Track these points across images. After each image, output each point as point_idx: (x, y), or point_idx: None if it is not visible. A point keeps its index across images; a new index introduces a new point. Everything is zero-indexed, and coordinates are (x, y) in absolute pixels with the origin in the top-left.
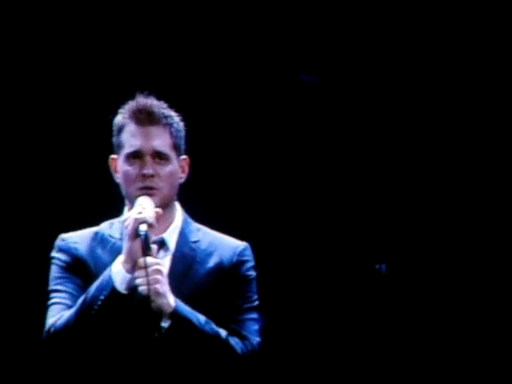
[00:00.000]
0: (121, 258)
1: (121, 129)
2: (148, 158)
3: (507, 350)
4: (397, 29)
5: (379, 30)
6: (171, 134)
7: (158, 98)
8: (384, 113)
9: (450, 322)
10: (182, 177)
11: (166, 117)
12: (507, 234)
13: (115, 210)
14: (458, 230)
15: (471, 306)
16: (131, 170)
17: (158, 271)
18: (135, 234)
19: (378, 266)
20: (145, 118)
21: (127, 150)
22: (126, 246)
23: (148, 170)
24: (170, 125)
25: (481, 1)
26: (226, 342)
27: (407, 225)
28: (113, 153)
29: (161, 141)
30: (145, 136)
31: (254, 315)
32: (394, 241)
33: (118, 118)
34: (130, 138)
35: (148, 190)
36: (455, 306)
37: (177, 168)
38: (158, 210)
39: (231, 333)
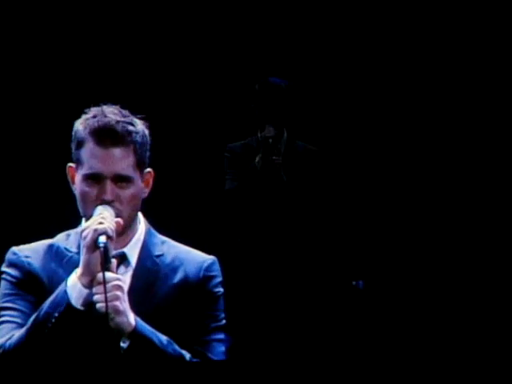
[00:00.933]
0: (77, 272)
1: (80, 144)
2: (108, 183)
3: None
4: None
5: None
6: (135, 152)
7: (123, 106)
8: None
9: (428, 336)
10: (145, 192)
11: (129, 133)
12: (484, 249)
13: (72, 221)
14: (437, 245)
15: (450, 321)
16: (90, 192)
17: (118, 287)
18: (94, 245)
19: (354, 283)
20: (106, 138)
21: (86, 170)
22: (83, 258)
23: (107, 196)
24: (134, 142)
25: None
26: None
27: (384, 241)
28: (70, 160)
29: (123, 163)
30: (106, 159)
31: (221, 336)
32: (372, 257)
33: (78, 129)
34: (90, 158)
35: None
36: (433, 320)
37: (140, 187)
38: (119, 220)
39: (195, 355)
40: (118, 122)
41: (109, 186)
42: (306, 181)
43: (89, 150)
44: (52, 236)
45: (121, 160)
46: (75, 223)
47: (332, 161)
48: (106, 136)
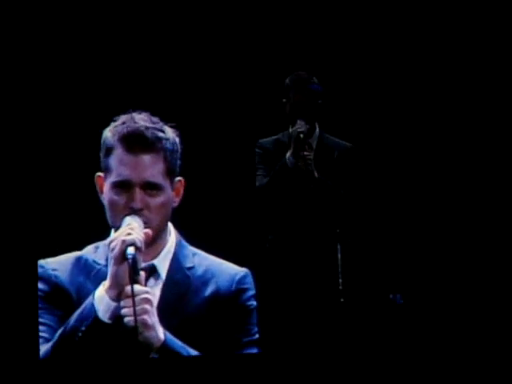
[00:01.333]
0: (105, 284)
1: (109, 151)
2: (137, 190)
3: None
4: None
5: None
6: (165, 159)
7: (153, 113)
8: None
9: (464, 349)
10: (176, 201)
11: (159, 139)
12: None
13: (101, 233)
14: (470, 260)
15: (483, 335)
16: (118, 200)
17: (147, 300)
18: (122, 257)
19: (391, 296)
20: (135, 145)
21: (115, 178)
22: (111, 270)
23: (137, 204)
24: (165, 149)
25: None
26: None
27: (421, 255)
28: (99, 169)
29: (153, 170)
30: (135, 165)
31: (254, 350)
32: (409, 271)
33: (107, 136)
34: (119, 165)
35: None
36: (467, 333)
37: (170, 195)
38: (148, 230)
39: None
40: (147, 128)
41: (138, 193)
42: (339, 178)
43: (117, 157)
44: (81, 248)
45: (150, 167)
46: (105, 235)
47: (367, 158)
48: (136, 142)
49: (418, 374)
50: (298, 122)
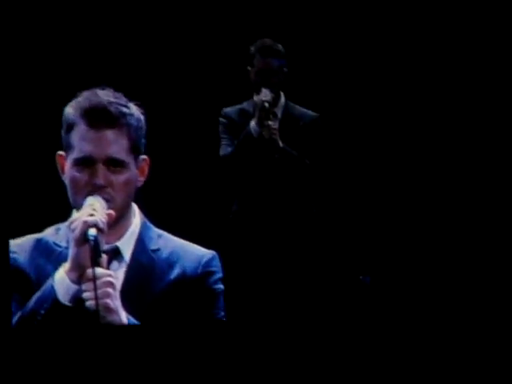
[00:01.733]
0: (66, 266)
1: (70, 127)
2: (100, 166)
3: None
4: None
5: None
6: (129, 135)
7: (117, 89)
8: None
9: (432, 334)
10: (140, 180)
11: (123, 115)
12: (489, 250)
13: (63, 214)
14: (443, 244)
15: (457, 319)
16: (80, 177)
17: (109, 284)
18: (83, 238)
19: (362, 278)
20: (98, 119)
21: (76, 154)
22: (71, 252)
23: (99, 181)
24: (129, 125)
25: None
26: None
27: (392, 237)
28: (61, 148)
29: (117, 146)
30: (97, 140)
31: None
32: (379, 253)
33: (69, 112)
34: (81, 141)
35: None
36: (437, 317)
37: (134, 173)
38: (111, 211)
39: None
40: (111, 102)
41: (101, 170)
42: (304, 148)
43: (79, 133)
44: (40, 230)
45: (114, 143)
46: (67, 217)
47: (334, 128)
48: (98, 117)
49: (384, 354)
50: (263, 90)
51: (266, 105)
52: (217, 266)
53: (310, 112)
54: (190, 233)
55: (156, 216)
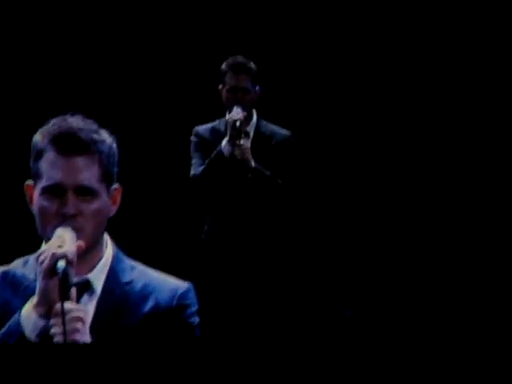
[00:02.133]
0: (33, 301)
1: (39, 154)
2: (70, 195)
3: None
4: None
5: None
6: (101, 162)
7: (88, 116)
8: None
9: (412, 364)
10: (112, 209)
11: (94, 142)
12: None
13: (32, 246)
14: (421, 274)
15: (438, 352)
16: (49, 206)
17: (78, 319)
18: (52, 270)
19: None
20: (68, 146)
21: (45, 182)
22: (39, 285)
23: (69, 209)
24: (100, 152)
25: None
26: None
27: (371, 271)
28: (30, 177)
29: (87, 173)
30: (67, 168)
31: None
32: (358, 287)
33: (37, 140)
34: (50, 168)
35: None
36: (417, 347)
37: (106, 202)
38: (81, 242)
39: None
40: (81, 129)
41: (71, 198)
42: (277, 167)
43: (48, 160)
44: (8, 262)
45: (84, 170)
46: (36, 249)
47: (306, 146)
48: (68, 143)
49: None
50: (235, 108)
51: (238, 124)
52: (192, 298)
53: (282, 130)
54: (163, 257)
55: (128, 243)
